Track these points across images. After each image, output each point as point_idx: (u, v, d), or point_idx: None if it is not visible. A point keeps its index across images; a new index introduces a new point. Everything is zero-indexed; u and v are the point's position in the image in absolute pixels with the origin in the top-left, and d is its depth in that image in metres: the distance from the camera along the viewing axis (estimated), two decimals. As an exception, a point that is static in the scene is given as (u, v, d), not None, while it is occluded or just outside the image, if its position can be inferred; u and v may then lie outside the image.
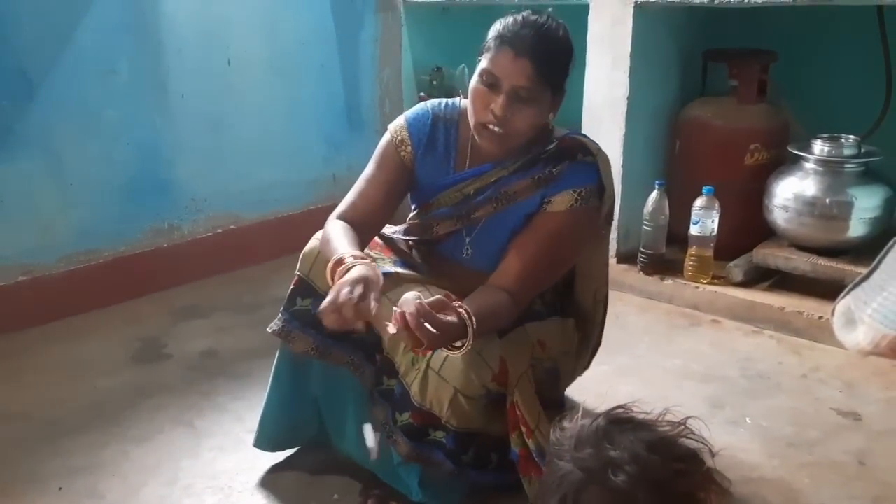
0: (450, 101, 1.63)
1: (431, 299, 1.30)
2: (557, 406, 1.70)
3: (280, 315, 1.63)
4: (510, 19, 1.45)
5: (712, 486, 0.89)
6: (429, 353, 1.43)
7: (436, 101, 1.64)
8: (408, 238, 1.70)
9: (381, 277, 1.37)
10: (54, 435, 1.85)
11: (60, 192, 2.41)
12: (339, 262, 1.39)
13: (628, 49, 2.50)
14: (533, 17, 1.44)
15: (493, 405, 1.48)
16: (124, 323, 2.43)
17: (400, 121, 1.61)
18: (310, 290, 1.60)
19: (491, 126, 1.45)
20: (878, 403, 2.00)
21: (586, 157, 1.54)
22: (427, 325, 1.24)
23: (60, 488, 1.66)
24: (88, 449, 1.80)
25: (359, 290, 1.30)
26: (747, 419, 1.93)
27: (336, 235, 1.49)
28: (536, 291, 1.55)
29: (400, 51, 3.27)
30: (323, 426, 1.70)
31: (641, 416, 0.94)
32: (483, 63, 1.45)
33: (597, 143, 1.59)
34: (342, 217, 1.57)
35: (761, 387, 2.09)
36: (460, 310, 1.32)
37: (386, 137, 1.62)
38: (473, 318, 1.32)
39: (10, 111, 2.27)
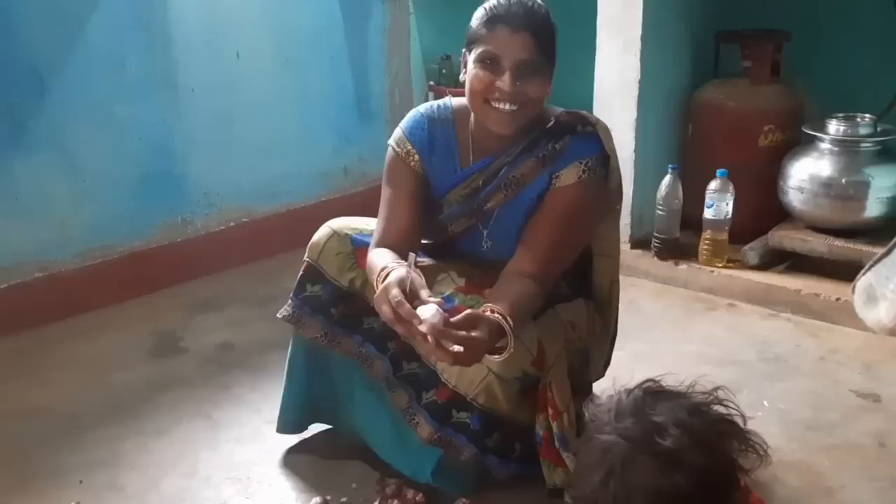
0: (439, 102, 1.63)
1: (459, 317, 1.29)
2: (586, 392, 1.71)
3: (290, 301, 1.65)
4: (493, 1, 1.44)
5: (752, 447, 0.88)
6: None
7: (425, 105, 1.64)
8: (426, 242, 1.69)
9: (419, 275, 1.37)
10: (74, 429, 1.86)
11: (74, 189, 2.42)
12: (379, 272, 1.40)
13: (639, 32, 2.47)
14: None
15: (524, 392, 1.48)
16: (140, 318, 2.45)
17: (398, 133, 1.61)
18: (319, 276, 1.62)
19: (500, 105, 1.44)
20: (898, 385, 1.98)
21: (586, 127, 1.54)
22: (448, 340, 1.24)
23: (81, 482, 1.68)
24: (108, 442, 1.81)
25: (394, 293, 1.30)
26: (765, 402, 1.92)
27: (377, 258, 1.47)
28: (559, 270, 1.55)
29: (408, 40, 3.25)
30: (340, 407, 1.71)
31: (673, 388, 0.94)
32: (477, 49, 1.44)
33: (594, 115, 1.58)
34: (379, 246, 1.54)
35: (779, 370, 2.08)
36: (494, 315, 1.32)
37: (390, 154, 1.61)
38: (509, 319, 1.32)
39: (22, 108, 2.28)
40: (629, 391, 0.92)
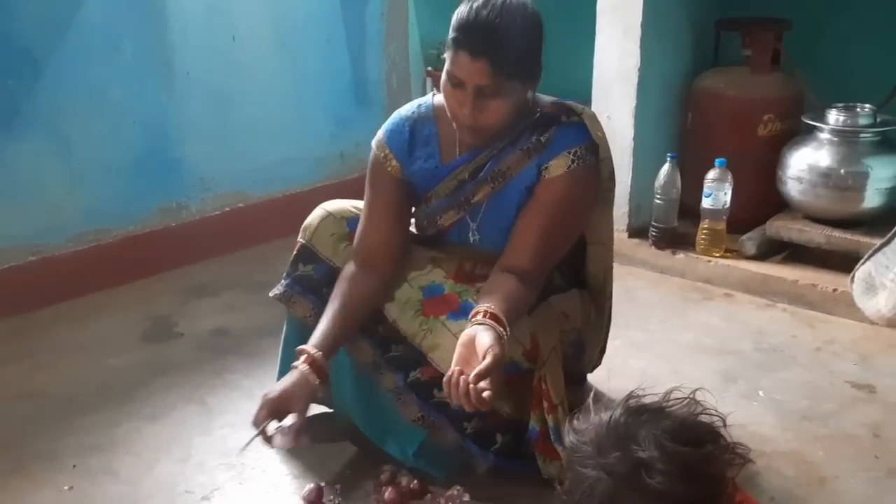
0: (422, 101, 1.62)
1: (473, 373, 1.28)
2: (580, 382, 1.71)
3: (282, 280, 1.67)
4: (465, 12, 1.40)
5: (736, 461, 0.88)
6: (443, 317, 1.51)
7: (407, 107, 1.63)
8: (415, 235, 1.69)
9: (313, 387, 1.49)
10: (68, 413, 1.86)
11: (68, 172, 2.40)
12: (296, 353, 1.52)
13: (639, 18, 2.45)
14: (485, 11, 1.38)
15: (509, 382, 1.48)
16: (135, 302, 2.44)
17: (380, 136, 1.62)
18: (312, 256, 1.64)
19: (465, 122, 1.45)
20: (894, 376, 1.98)
21: (571, 117, 1.52)
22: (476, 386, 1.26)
23: (75, 466, 1.67)
24: (102, 427, 1.81)
25: (263, 414, 1.44)
26: (760, 393, 1.92)
27: (333, 302, 1.56)
28: (552, 263, 1.54)
29: (406, 25, 3.22)
30: (332, 388, 1.70)
31: (654, 402, 0.92)
32: (447, 63, 1.43)
33: (580, 104, 1.56)
34: (361, 259, 1.58)
35: (775, 360, 2.08)
36: (491, 324, 1.33)
37: (371, 155, 1.63)
38: (503, 318, 1.35)
39: (16, 91, 2.26)
40: (609, 413, 0.90)
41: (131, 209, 2.56)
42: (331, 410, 1.77)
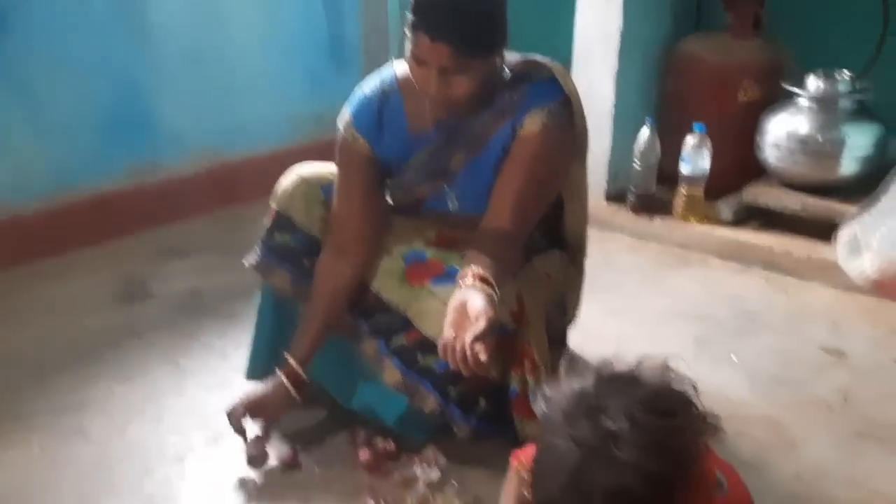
0: (384, 76, 1.56)
1: (469, 337, 1.26)
2: (561, 342, 1.72)
3: (257, 248, 1.64)
4: None
5: (707, 430, 0.88)
6: (427, 283, 1.50)
7: (370, 85, 1.57)
8: (393, 206, 1.66)
9: (291, 401, 1.55)
10: (39, 374, 1.83)
11: (36, 130, 2.33)
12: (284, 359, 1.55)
13: (622, -19, 2.42)
14: None
15: (494, 345, 1.47)
16: (107, 263, 2.39)
17: (346, 118, 1.57)
18: (288, 224, 1.61)
19: (436, 98, 1.42)
20: (865, 341, 2.01)
21: (542, 73, 1.50)
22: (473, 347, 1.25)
23: (44, 426, 1.65)
24: (74, 388, 1.78)
25: (239, 412, 1.52)
26: (734, 357, 1.94)
27: (317, 301, 1.56)
28: (534, 222, 1.53)
29: (385, -17, 3.16)
30: None
31: (625, 372, 0.91)
32: (409, 42, 1.39)
33: (549, 59, 1.53)
34: (339, 246, 1.56)
35: (749, 325, 2.10)
36: (480, 286, 1.33)
37: (339, 137, 1.58)
38: (491, 279, 1.34)
39: (-21, 45, 2.18)
40: (580, 382, 0.90)
41: (101, 168, 2.50)
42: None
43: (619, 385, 0.89)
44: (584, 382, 0.90)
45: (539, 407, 0.93)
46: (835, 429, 1.68)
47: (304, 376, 1.55)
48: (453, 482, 1.50)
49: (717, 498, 0.95)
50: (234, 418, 1.52)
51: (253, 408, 1.53)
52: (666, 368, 0.91)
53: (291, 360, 1.55)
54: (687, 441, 0.86)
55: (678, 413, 0.87)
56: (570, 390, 0.90)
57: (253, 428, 1.55)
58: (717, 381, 1.79)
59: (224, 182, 2.78)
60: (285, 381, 1.54)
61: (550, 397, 0.92)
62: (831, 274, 2.25)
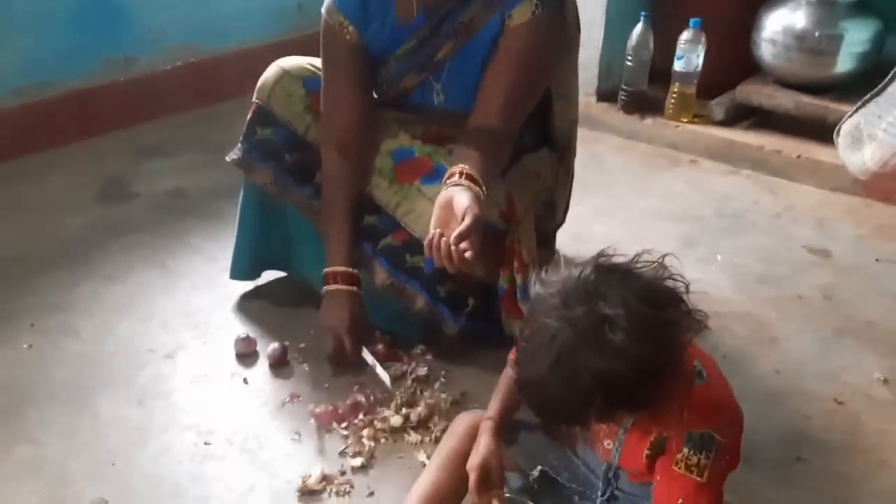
0: None
1: (454, 234, 1.24)
2: (549, 242, 1.71)
3: (239, 144, 1.61)
4: None
5: (694, 326, 0.90)
6: (417, 182, 1.48)
7: None
8: (377, 98, 1.61)
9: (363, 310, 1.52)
10: (22, 273, 1.82)
11: (3, 20, 2.22)
12: (325, 277, 1.51)
13: None
14: None
15: (485, 243, 1.46)
16: (86, 161, 2.34)
17: (328, 3, 1.49)
18: (269, 118, 1.57)
19: None
20: (849, 241, 2.03)
21: None
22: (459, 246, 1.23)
23: (32, 325, 1.65)
24: (59, 287, 1.77)
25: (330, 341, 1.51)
26: (719, 257, 1.95)
27: (337, 209, 1.51)
28: (522, 118, 1.49)
29: None
30: (292, 254, 1.69)
31: (624, 263, 0.93)
32: None
33: None
34: (337, 144, 1.51)
35: (735, 225, 2.10)
36: (467, 185, 1.30)
37: (323, 24, 1.50)
38: (479, 178, 1.32)
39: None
40: (580, 269, 0.90)
41: (75, 62, 2.40)
42: (285, 274, 1.76)
43: (618, 275, 0.91)
44: (583, 269, 0.91)
45: (534, 289, 0.94)
46: (814, 325, 1.72)
47: (359, 276, 1.52)
48: (442, 378, 1.52)
49: (697, 385, 0.98)
50: (353, 355, 1.50)
51: (353, 333, 1.50)
52: (662, 265, 0.92)
53: (342, 269, 1.51)
54: (676, 334, 0.88)
55: (670, 307, 0.89)
56: (569, 275, 0.91)
57: (242, 329, 1.56)
58: (701, 280, 1.81)
59: (203, 78, 2.69)
60: (355, 289, 1.51)
61: (547, 280, 0.93)
62: (820, 174, 2.25)
